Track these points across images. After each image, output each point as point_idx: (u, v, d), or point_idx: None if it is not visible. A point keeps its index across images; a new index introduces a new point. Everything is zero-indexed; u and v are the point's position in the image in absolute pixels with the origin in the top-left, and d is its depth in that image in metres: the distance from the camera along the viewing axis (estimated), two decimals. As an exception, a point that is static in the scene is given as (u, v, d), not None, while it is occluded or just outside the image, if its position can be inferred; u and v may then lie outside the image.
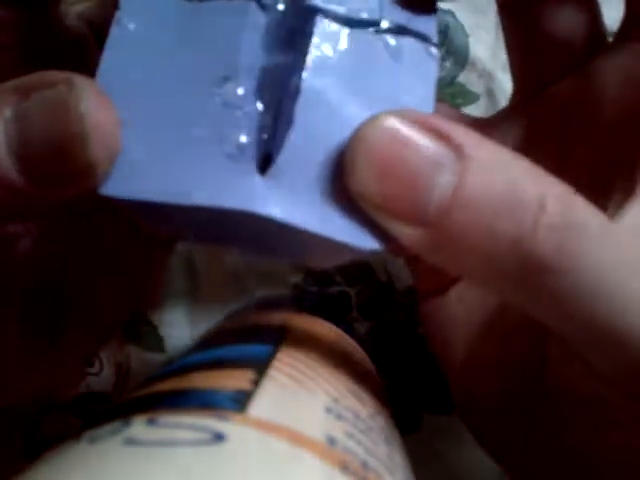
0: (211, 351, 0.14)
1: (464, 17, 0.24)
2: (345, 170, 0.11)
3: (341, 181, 0.11)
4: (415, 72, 0.12)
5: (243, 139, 0.11)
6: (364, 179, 0.11)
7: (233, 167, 0.11)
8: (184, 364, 0.13)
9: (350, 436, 0.10)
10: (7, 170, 0.10)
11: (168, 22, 0.12)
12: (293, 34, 0.12)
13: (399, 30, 0.13)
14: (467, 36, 0.24)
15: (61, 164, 0.10)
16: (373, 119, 0.11)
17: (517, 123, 0.16)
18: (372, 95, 0.12)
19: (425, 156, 0.10)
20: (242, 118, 0.11)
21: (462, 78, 0.24)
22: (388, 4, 0.12)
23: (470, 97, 0.24)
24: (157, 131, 0.11)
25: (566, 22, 0.15)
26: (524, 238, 0.10)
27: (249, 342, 0.14)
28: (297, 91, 0.11)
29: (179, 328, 0.24)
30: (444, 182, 0.10)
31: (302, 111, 0.11)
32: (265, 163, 0.11)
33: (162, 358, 0.24)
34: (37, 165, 0.10)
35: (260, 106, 0.12)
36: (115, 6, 0.12)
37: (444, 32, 0.24)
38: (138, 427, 0.09)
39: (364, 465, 0.10)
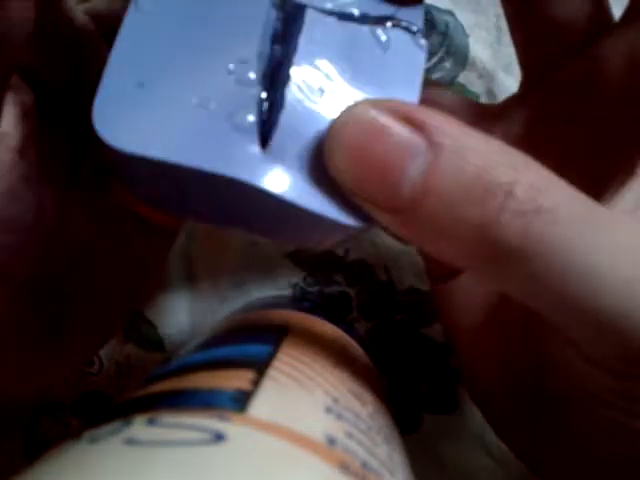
0: (211, 351, 0.14)
1: (464, 17, 0.24)
2: (325, 155, 0.11)
3: None
4: (403, 62, 0.13)
5: (250, 118, 0.12)
6: (341, 165, 0.11)
7: (238, 141, 0.12)
8: (184, 364, 0.13)
9: (350, 436, 0.10)
10: None
11: (183, 5, 0.12)
12: (287, 26, 0.13)
13: (387, 22, 0.13)
14: (467, 36, 0.24)
15: None
16: (350, 108, 0.11)
17: (523, 108, 0.16)
18: (359, 84, 0.12)
19: (397, 146, 0.10)
20: (251, 99, 0.12)
21: (462, 78, 0.24)
22: None
23: (470, 97, 0.24)
24: (170, 98, 0.12)
25: (569, 6, 0.15)
26: (490, 224, 0.10)
27: (249, 342, 0.14)
28: (288, 78, 0.12)
29: (179, 328, 0.24)
30: (416, 171, 0.10)
31: (292, 98, 0.12)
32: (262, 145, 0.12)
33: (162, 358, 0.24)
34: None
35: (263, 93, 0.12)
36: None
37: (444, 32, 0.24)
38: (138, 427, 0.09)
39: (364, 465, 0.10)
